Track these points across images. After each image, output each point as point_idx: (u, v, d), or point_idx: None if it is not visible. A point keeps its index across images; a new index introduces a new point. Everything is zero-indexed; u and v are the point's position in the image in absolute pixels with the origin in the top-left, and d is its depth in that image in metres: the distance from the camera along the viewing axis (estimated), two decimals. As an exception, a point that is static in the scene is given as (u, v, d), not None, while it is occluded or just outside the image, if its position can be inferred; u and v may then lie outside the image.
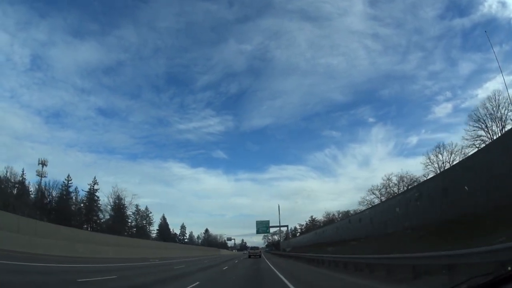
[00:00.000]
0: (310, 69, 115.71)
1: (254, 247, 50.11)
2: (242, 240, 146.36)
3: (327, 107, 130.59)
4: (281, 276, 13.57)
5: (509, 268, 2.08)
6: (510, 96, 24.62)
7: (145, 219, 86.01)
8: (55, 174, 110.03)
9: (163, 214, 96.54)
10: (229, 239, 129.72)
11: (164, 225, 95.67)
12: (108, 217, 64.06)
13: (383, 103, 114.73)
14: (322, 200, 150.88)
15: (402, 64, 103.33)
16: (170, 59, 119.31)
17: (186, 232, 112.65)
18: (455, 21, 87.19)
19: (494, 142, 21.23)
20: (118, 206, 64.92)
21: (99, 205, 62.28)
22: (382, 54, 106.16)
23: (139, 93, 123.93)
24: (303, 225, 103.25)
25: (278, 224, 77.63)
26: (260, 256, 42.03)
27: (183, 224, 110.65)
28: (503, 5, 72.98)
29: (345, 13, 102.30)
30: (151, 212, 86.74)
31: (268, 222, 77.23)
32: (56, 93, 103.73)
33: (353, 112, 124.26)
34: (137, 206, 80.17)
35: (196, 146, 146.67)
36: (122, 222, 66.21)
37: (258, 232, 78.39)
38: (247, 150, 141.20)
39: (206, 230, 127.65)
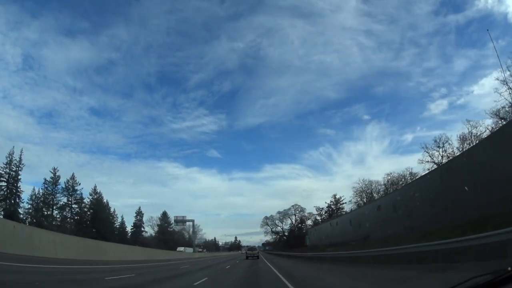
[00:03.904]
0: (304, 66, 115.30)
1: (252, 247, 50.37)
2: (235, 237, 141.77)
3: (321, 105, 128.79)
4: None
5: (509, 269, 2.06)
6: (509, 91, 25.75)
7: (72, 195, 62.44)
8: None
9: (95, 185, 68.65)
10: (180, 220, 77.18)
11: (97, 205, 65.42)
12: None
13: (377, 100, 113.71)
14: (318, 199, 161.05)
15: (396, 60, 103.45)
16: (162, 57, 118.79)
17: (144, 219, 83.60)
18: (449, 17, 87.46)
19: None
20: None
21: None
22: (375, 50, 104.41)
23: (131, 92, 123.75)
24: (322, 209, 74.89)
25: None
26: (258, 257, 41.11)
27: (139, 209, 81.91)
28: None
29: (338, 10, 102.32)
30: (79, 184, 62.56)
31: None
32: (48, 93, 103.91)
33: (347, 109, 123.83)
34: (54, 170, 59.46)
35: (190, 146, 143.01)
36: None
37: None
38: (241, 149, 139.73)
39: (164, 214, 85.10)
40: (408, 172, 50.31)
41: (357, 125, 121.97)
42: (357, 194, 59.92)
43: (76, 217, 61.97)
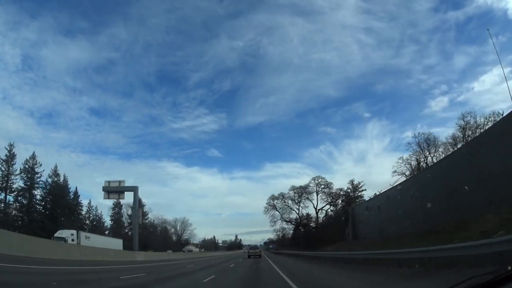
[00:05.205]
0: (303, 64, 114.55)
1: (254, 246, 50.81)
2: (236, 236, 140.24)
3: (321, 103, 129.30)
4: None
5: (509, 268, 2.06)
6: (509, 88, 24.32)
7: (29, 176, 51.15)
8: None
9: (55, 166, 55.44)
10: (114, 190, 41.71)
11: (57, 189, 53.75)
12: None
13: (377, 98, 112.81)
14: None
15: (396, 58, 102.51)
16: (161, 57, 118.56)
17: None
18: (449, 14, 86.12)
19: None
20: None
21: None
22: (375, 48, 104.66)
23: (131, 92, 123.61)
24: (338, 196, 63.25)
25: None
26: (260, 256, 40.22)
27: (118, 202, 68.31)
28: (500, -5, 70.18)
29: (338, 7, 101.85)
30: (40, 165, 51.12)
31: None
32: (48, 94, 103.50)
33: (347, 107, 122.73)
34: (10, 147, 48.29)
35: (190, 145, 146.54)
36: None
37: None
38: (242, 148, 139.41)
39: (139, 202, 51.92)
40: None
41: (358, 123, 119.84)
42: (413, 155, 40.75)
43: (31, 205, 51.19)
